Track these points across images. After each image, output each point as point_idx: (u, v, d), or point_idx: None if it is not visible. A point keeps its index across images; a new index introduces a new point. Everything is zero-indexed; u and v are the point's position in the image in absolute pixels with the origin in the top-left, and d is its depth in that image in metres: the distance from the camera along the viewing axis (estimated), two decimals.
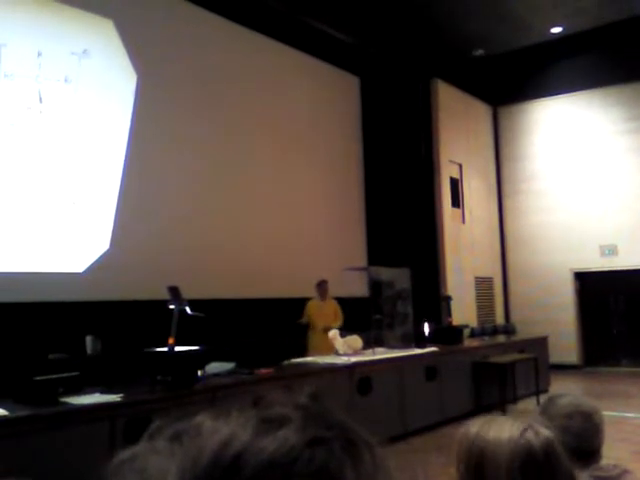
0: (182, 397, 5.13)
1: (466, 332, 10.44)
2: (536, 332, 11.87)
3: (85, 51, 7.46)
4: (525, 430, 1.45)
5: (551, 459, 1.43)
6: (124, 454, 0.51)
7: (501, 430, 1.48)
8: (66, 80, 7.27)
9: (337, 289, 9.07)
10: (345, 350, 7.62)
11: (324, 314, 8.41)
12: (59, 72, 7.22)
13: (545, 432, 1.48)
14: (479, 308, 13.24)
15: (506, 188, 14.47)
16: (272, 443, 0.48)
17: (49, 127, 7.08)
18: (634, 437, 6.78)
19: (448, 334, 9.32)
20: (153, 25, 8.34)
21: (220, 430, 0.50)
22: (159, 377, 5.21)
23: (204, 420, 0.52)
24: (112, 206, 7.63)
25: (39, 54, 7.04)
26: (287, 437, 0.49)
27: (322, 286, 8.55)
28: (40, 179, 6.94)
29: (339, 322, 8.45)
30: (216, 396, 5.39)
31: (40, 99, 7.02)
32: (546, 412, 2.08)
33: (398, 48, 11.66)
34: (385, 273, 10.73)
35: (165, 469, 0.48)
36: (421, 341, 8.78)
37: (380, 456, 0.53)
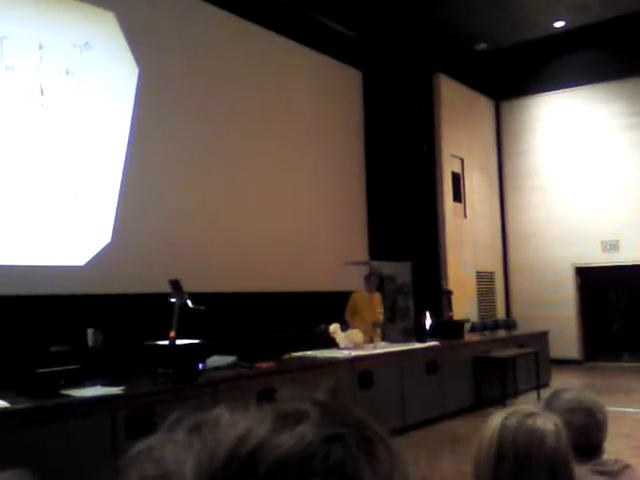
0: (183, 390, 5.14)
1: (467, 327, 10.45)
2: (537, 327, 11.88)
3: (87, 43, 7.44)
4: (507, 417, 1.53)
5: (529, 449, 1.49)
6: (141, 444, 0.51)
7: (498, 417, 1.58)
8: (67, 73, 7.26)
9: (338, 283, 9.09)
10: (346, 344, 7.63)
11: (372, 307, 8.41)
12: (60, 64, 7.21)
13: (535, 421, 1.53)
14: (480, 303, 13.25)
15: (508, 183, 14.45)
16: (289, 439, 0.48)
17: (50, 120, 7.07)
18: (635, 432, 6.79)
19: (449, 328, 9.32)
20: (154, 18, 8.31)
21: (238, 424, 0.50)
22: (160, 370, 5.22)
23: (222, 413, 0.52)
24: (114, 199, 7.63)
25: (40, 46, 7.03)
26: (304, 433, 0.49)
27: (371, 279, 8.52)
28: (42, 172, 6.94)
29: (380, 317, 8.56)
30: (217, 389, 5.40)
31: (42, 92, 7.00)
32: (549, 406, 2.09)
33: (401, 42, 11.63)
34: (386, 267, 10.75)
35: (182, 460, 0.48)
36: (422, 335, 8.79)
37: (396, 453, 0.53)
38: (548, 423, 1.55)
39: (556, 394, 2.16)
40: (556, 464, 1.52)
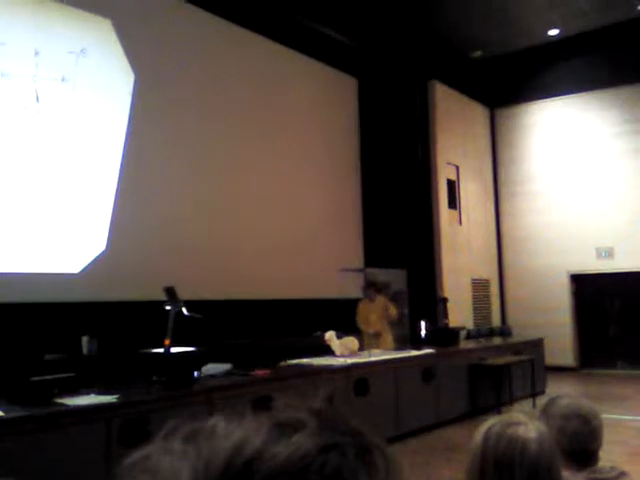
0: (178, 398, 5.12)
1: (462, 334, 10.45)
2: (532, 334, 11.88)
3: (83, 50, 7.44)
4: (490, 427, 1.59)
5: (510, 457, 1.55)
6: (137, 454, 0.51)
7: (484, 427, 1.65)
8: (63, 79, 7.26)
9: (333, 290, 9.08)
10: (342, 351, 7.63)
11: (373, 311, 8.62)
12: (56, 71, 7.21)
13: (517, 429, 1.58)
14: (475, 310, 13.25)
15: (503, 190, 14.49)
16: (285, 449, 0.48)
17: (46, 127, 7.06)
18: (630, 439, 6.79)
19: (444, 336, 9.32)
20: (151, 25, 8.33)
21: (234, 433, 0.50)
22: (155, 378, 5.20)
23: (218, 422, 0.52)
24: (109, 206, 7.62)
25: (36, 53, 7.03)
26: (300, 443, 0.49)
27: (367, 290, 8.80)
28: (36, 179, 6.92)
29: (392, 317, 8.74)
30: (212, 397, 5.38)
31: (37, 98, 7.00)
32: (546, 412, 2.09)
33: (396, 50, 11.67)
34: (381, 275, 10.75)
35: (178, 471, 0.48)
36: (417, 343, 8.79)
37: (393, 461, 0.53)
38: (530, 431, 1.57)
39: (553, 401, 2.16)
40: (538, 472, 1.53)
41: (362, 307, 8.79)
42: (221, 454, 0.48)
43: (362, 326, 8.68)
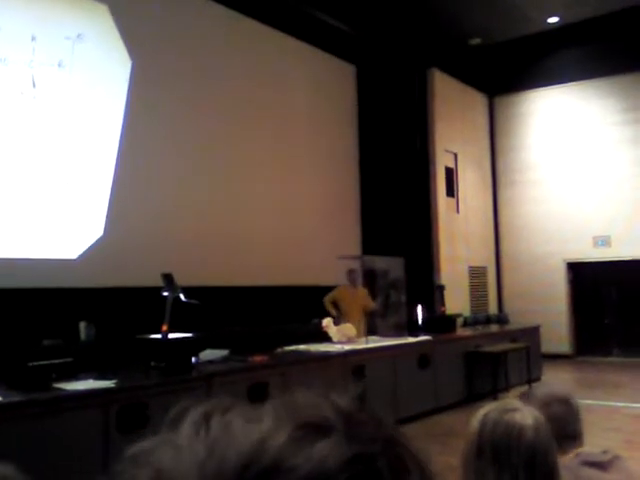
0: (176, 384, 5.14)
1: (459, 321, 10.48)
2: (529, 322, 11.93)
3: (79, 36, 7.40)
4: (487, 413, 1.60)
5: (507, 443, 1.56)
6: (139, 445, 0.46)
7: (480, 413, 1.67)
8: (60, 65, 7.22)
9: (331, 277, 9.08)
10: (339, 338, 7.65)
11: (356, 300, 8.47)
12: (53, 57, 7.17)
13: (514, 416, 1.59)
14: (472, 297, 13.28)
15: (501, 178, 14.48)
16: (307, 461, 0.42)
17: (42, 112, 7.03)
18: (625, 426, 6.83)
19: (441, 323, 9.35)
20: (148, 10, 8.27)
21: (250, 435, 0.44)
22: (153, 364, 5.22)
23: (233, 418, 0.46)
24: (106, 192, 7.60)
25: (33, 38, 6.98)
26: (326, 452, 0.42)
27: (352, 274, 8.62)
28: (33, 165, 6.90)
29: (372, 305, 8.76)
30: (210, 383, 5.40)
31: (33, 84, 6.97)
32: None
33: (395, 37, 11.61)
34: (379, 262, 10.77)
35: (185, 472, 0.42)
36: (414, 330, 8.82)
37: (428, 471, 0.48)
38: (527, 418, 1.58)
39: (529, 395, 2.19)
40: (535, 458, 1.54)
41: (343, 293, 8.42)
42: (234, 459, 0.42)
43: (334, 312, 8.19)
